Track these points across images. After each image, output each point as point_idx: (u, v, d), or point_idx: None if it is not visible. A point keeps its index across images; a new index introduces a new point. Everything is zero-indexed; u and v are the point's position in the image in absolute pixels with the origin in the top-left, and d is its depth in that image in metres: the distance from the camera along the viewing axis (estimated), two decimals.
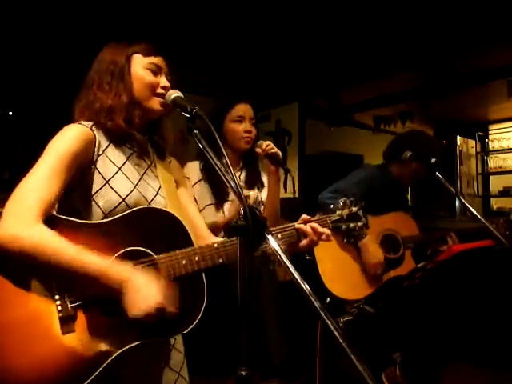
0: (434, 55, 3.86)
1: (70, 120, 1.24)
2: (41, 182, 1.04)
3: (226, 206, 1.85)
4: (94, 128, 1.19)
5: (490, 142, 6.31)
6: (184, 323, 1.11)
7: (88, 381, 0.98)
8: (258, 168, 1.96)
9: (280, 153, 1.79)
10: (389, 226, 2.31)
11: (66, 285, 1.03)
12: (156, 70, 1.26)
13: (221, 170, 1.01)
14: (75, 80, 1.31)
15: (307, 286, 0.88)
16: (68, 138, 1.13)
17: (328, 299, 2.07)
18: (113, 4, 3.03)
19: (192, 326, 1.12)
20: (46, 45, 3.46)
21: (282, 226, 1.34)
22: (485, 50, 3.68)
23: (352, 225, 1.46)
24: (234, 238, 1.18)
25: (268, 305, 1.76)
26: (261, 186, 1.97)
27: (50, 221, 1.04)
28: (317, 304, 0.86)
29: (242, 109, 1.90)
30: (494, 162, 6.29)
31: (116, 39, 1.32)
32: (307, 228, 1.34)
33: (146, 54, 1.26)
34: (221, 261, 1.18)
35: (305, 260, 2.13)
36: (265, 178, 1.96)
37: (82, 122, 1.19)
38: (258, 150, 1.80)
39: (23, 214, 0.99)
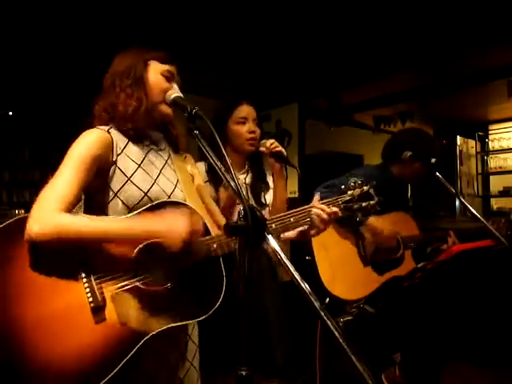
0: (434, 55, 3.86)
1: (69, 120, 1.25)
2: (62, 185, 1.14)
3: None
4: (110, 131, 1.26)
5: (490, 142, 6.32)
6: (206, 306, 1.19)
7: (121, 364, 1.05)
8: (263, 170, 1.95)
9: (284, 151, 1.80)
10: (393, 226, 2.30)
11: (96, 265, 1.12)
12: (170, 77, 1.32)
13: (221, 170, 1.02)
14: (75, 80, 1.33)
15: (307, 286, 0.88)
16: (87, 143, 1.20)
17: (327, 299, 2.06)
18: (114, 5, 3.03)
19: (214, 309, 1.19)
20: (46, 45, 3.46)
21: (296, 210, 1.39)
22: (485, 50, 3.68)
23: (364, 204, 1.48)
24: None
25: (270, 304, 1.76)
26: (266, 189, 1.96)
27: None
28: (317, 304, 0.86)
29: (245, 110, 1.88)
30: (494, 162, 6.30)
31: (116, 40, 1.33)
32: (323, 214, 1.39)
33: (162, 61, 1.32)
34: (237, 246, 1.22)
35: (304, 260, 2.13)
36: (269, 179, 1.95)
37: (99, 127, 1.26)
38: (262, 148, 1.81)
39: (48, 210, 1.09)
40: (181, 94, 1.25)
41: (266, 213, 1.91)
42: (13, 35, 3.33)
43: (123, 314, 1.10)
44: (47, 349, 1.04)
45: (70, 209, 1.13)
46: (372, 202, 1.49)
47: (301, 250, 2.13)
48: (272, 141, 1.81)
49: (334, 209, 1.40)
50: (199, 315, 1.18)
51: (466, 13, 3.19)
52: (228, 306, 1.39)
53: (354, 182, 1.48)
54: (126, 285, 1.12)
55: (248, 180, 1.92)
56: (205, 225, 1.25)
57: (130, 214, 1.21)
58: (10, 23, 3.20)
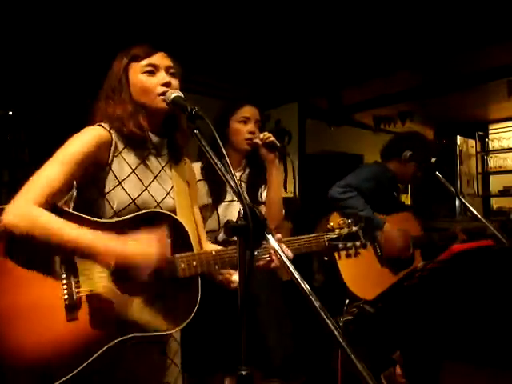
0: (434, 55, 3.86)
1: (69, 120, 1.25)
2: (47, 177, 1.14)
3: (221, 207, 1.86)
4: (112, 131, 1.25)
5: (489, 142, 6.31)
6: (178, 320, 1.18)
7: (84, 364, 1.06)
8: (262, 166, 1.96)
9: (277, 141, 1.84)
10: (399, 227, 2.32)
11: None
12: (153, 70, 1.27)
13: (220, 170, 1.02)
14: (75, 80, 1.33)
15: (307, 286, 0.88)
16: (84, 139, 1.20)
17: (347, 300, 2.05)
18: (113, 5, 3.03)
19: (185, 324, 1.17)
20: (46, 46, 3.46)
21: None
22: (485, 49, 3.68)
23: (349, 244, 1.49)
24: (230, 248, 1.26)
25: (269, 305, 1.76)
26: (265, 185, 1.97)
27: (59, 213, 1.12)
28: (317, 304, 0.86)
29: (249, 110, 1.91)
30: (493, 162, 6.29)
31: (115, 40, 1.33)
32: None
33: (140, 59, 1.28)
34: (216, 267, 1.25)
35: (323, 261, 2.13)
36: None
37: (102, 124, 1.26)
38: (256, 140, 1.85)
39: (25, 201, 1.09)
40: (181, 94, 1.22)
41: (261, 208, 1.93)
42: (13, 35, 3.33)
43: (95, 316, 1.10)
44: (17, 338, 1.05)
45: (51, 202, 1.12)
46: (357, 244, 1.50)
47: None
48: (265, 133, 1.86)
49: (290, 254, 1.38)
50: (172, 328, 1.18)
51: (465, 13, 3.19)
52: (225, 306, 1.39)
53: (342, 221, 1.49)
54: (104, 289, 1.11)
55: (244, 177, 1.96)
56: (188, 239, 1.24)
57: (115, 220, 1.19)
58: (10, 23, 3.20)
